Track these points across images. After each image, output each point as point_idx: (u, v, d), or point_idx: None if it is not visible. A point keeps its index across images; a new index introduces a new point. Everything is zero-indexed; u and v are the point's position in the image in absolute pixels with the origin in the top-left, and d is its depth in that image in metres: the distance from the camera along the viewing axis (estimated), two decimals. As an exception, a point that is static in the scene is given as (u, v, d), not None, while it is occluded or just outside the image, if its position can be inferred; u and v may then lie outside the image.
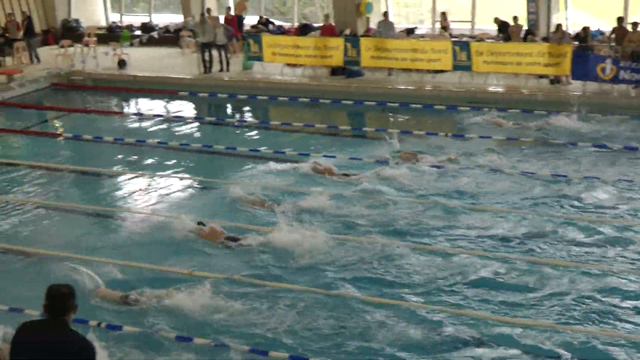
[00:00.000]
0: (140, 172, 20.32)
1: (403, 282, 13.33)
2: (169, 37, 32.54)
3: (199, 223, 15.32)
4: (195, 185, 19.00)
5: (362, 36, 29.00)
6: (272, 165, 19.46)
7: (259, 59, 28.77)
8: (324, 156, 19.69)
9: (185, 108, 26.90)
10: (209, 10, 30.58)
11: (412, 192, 17.32)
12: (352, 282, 13.29)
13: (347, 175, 18.16)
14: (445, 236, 15.05)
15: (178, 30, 32.42)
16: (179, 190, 18.81)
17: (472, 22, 30.99)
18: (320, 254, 14.22)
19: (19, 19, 32.75)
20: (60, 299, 6.87)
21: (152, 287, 12.95)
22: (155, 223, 16.33)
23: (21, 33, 32.14)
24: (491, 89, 25.79)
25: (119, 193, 19.12)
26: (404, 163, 18.87)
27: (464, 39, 28.18)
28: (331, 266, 13.85)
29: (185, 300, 12.46)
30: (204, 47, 28.91)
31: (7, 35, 32.01)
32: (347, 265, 13.85)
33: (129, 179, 19.93)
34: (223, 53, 28.99)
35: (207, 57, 28.84)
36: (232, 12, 32.93)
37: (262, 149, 21.43)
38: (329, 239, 14.58)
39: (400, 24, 31.30)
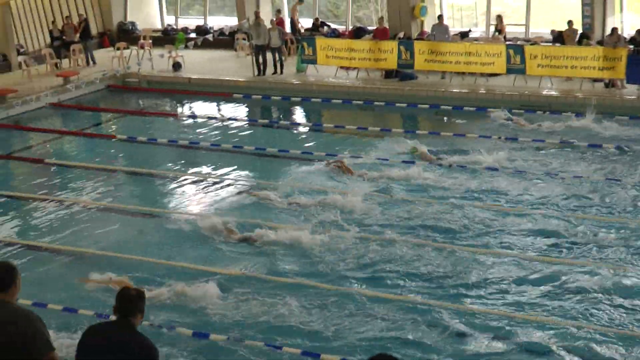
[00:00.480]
0: (192, 173, 20.49)
1: (411, 279, 13.82)
2: (224, 40, 32.73)
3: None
4: (245, 187, 19.07)
5: (416, 39, 28.90)
6: (320, 166, 19.84)
7: (313, 61, 28.82)
8: (352, 156, 20.27)
9: (239, 110, 27.03)
10: (256, 13, 30.73)
11: (427, 191, 17.86)
12: (362, 279, 13.91)
13: (366, 173, 18.82)
14: (454, 235, 15.54)
15: (233, 32, 32.59)
16: (230, 192, 18.95)
17: (527, 25, 30.74)
18: (336, 251, 14.83)
19: (75, 21, 33.15)
20: (129, 301, 7.03)
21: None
22: (194, 223, 16.66)
23: (78, 36, 32.55)
24: (545, 92, 25.55)
25: (170, 194, 19.31)
26: (423, 162, 19.47)
27: (518, 43, 27.96)
28: (346, 264, 14.41)
29: (200, 295, 13.21)
30: (258, 50, 29.04)
31: (64, 38, 32.43)
32: (362, 263, 14.42)
33: (181, 180, 20.11)
34: (277, 56, 29.09)
35: (261, 60, 28.95)
36: (286, 15, 33.04)
37: (314, 151, 21.51)
38: (349, 237, 15.26)
39: (454, 27, 31.14)
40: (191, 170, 20.86)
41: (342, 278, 13.98)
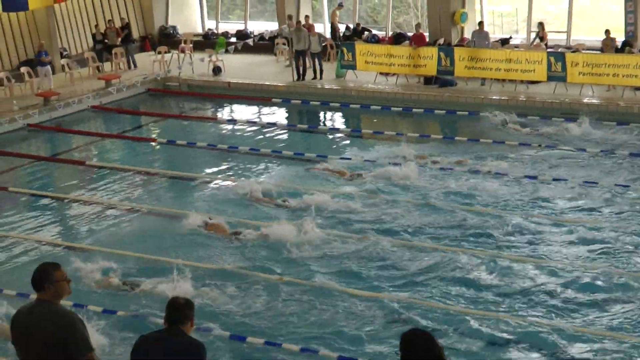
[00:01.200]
0: (231, 177, 20.62)
1: (384, 275, 14.45)
2: (264, 45, 32.85)
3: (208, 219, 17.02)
4: (281, 191, 19.18)
5: (456, 46, 28.84)
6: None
7: (352, 67, 28.86)
8: (341, 158, 21.36)
9: (278, 115, 27.13)
10: (290, 16, 30.87)
11: (413, 191, 18.52)
12: (335, 274, 14.53)
13: (359, 175, 19.64)
14: (428, 233, 16.19)
15: (273, 37, 32.71)
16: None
17: (568, 32, 30.57)
18: (312, 248, 15.52)
19: (118, 25, 33.45)
20: (178, 309, 7.06)
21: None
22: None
23: (120, 39, 32.84)
24: (586, 100, 25.39)
25: (208, 197, 19.43)
26: (415, 164, 19.97)
27: (560, 50, 27.82)
28: (319, 259, 15.15)
29: (171, 288, 13.75)
30: (298, 55, 29.15)
31: (106, 41, 32.75)
32: (333, 259, 15.16)
33: (218, 183, 20.27)
34: (317, 61, 29.18)
35: (301, 65, 29.05)
36: (326, 21, 33.11)
37: (353, 156, 21.57)
38: (322, 234, 15.93)
39: (494, 34, 31.04)
40: (229, 174, 21.00)
41: (310, 271, 14.75)
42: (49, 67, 29.42)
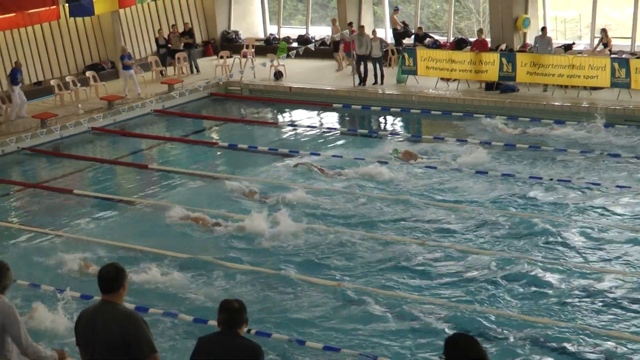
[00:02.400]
0: (290, 181, 20.76)
1: (346, 266, 15.64)
2: (325, 50, 32.95)
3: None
4: (331, 196, 19.37)
5: (519, 51, 28.65)
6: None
7: (413, 72, 28.83)
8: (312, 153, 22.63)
9: (339, 120, 27.18)
10: (350, 23, 30.92)
11: (390, 188, 19.65)
12: (299, 263, 15.78)
13: (340, 174, 20.75)
14: (399, 227, 17.35)
15: (335, 42, 32.78)
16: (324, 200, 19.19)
17: (633, 38, 30.17)
18: (284, 239, 16.73)
19: (181, 30, 33.80)
20: (232, 312, 7.14)
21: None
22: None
23: (183, 44, 33.22)
24: (651, 106, 25.07)
25: (329, 211, 19.49)
26: (402, 162, 21.37)
27: (624, 56, 27.48)
28: (289, 250, 16.37)
29: (146, 276, 15.16)
30: (360, 60, 29.23)
31: (169, 46, 33.14)
32: (302, 250, 16.34)
33: (277, 188, 20.45)
34: (378, 66, 29.21)
35: (362, 70, 29.12)
36: (387, 26, 33.09)
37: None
38: (295, 227, 17.10)
39: (557, 40, 30.76)
40: (289, 178, 21.14)
41: (279, 261, 15.96)
42: (132, 70, 29.73)
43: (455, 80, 28.51)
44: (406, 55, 28.90)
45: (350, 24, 31.91)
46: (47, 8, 29.66)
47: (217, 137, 26.24)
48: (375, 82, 29.19)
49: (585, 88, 26.61)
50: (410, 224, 17.52)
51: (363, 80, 29.18)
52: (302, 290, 14.74)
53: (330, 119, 27.25)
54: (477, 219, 17.54)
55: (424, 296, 14.37)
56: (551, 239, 16.44)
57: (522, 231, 16.86)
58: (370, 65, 29.30)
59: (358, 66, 29.26)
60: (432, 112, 26.56)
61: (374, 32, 29.90)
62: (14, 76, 27.37)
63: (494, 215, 17.68)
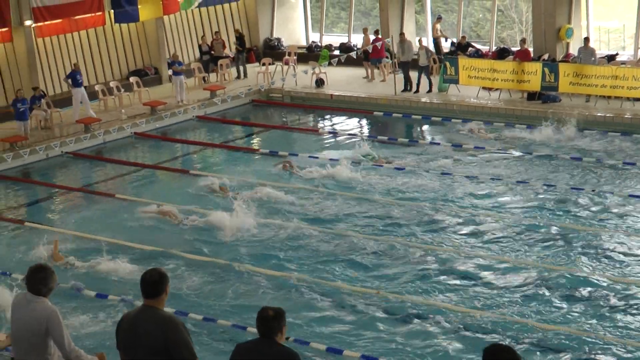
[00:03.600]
0: (331, 189, 20.89)
1: (296, 257, 17.04)
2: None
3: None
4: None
5: (561, 61, 28.51)
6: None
7: (455, 81, 28.79)
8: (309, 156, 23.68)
9: (380, 128, 27.15)
10: (377, 31, 30.99)
11: (355, 188, 20.94)
12: (255, 256, 17.18)
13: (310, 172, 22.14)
14: (352, 223, 18.68)
15: (364, 51, 32.83)
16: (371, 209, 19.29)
17: (679, 48, 29.92)
18: (245, 233, 18.11)
19: (225, 37, 34.06)
20: (268, 320, 7.10)
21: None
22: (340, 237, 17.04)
23: (226, 51, 33.49)
24: (695, 118, 24.85)
25: (307, 209, 19.74)
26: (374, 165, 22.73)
27: (669, 67, 27.25)
28: (247, 243, 17.85)
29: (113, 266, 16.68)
30: (404, 67, 29.36)
31: (212, 52, 33.40)
32: (258, 243, 17.83)
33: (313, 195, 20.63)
34: (423, 74, 29.27)
35: (406, 77, 29.26)
36: (429, 35, 33.08)
37: (452, 172, 21.63)
38: (256, 222, 18.48)
39: (600, 50, 30.57)
40: (332, 186, 21.27)
41: (236, 253, 17.42)
42: (182, 76, 29.96)
43: (497, 89, 28.43)
44: (448, 64, 28.88)
45: (377, 31, 32.17)
46: (93, 14, 30.12)
47: (258, 144, 26.36)
48: (417, 91, 29.21)
49: (628, 99, 26.42)
50: (361, 219, 18.99)
51: (407, 87, 29.29)
52: (259, 280, 15.99)
53: (371, 127, 27.22)
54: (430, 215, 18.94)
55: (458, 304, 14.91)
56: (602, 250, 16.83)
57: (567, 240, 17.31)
58: (414, 74, 29.39)
59: (403, 73, 29.39)
60: (473, 121, 26.47)
61: (419, 40, 29.95)
62: (74, 78, 27.72)
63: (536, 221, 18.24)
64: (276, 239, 18.01)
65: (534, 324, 13.81)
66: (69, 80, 27.91)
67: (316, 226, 18.51)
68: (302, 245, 17.62)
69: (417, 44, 29.87)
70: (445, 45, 32.60)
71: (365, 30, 33.23)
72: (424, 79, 29.40)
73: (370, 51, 31.40)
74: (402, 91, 29.29)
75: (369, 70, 31.90)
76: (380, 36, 32.06)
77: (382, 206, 19.67)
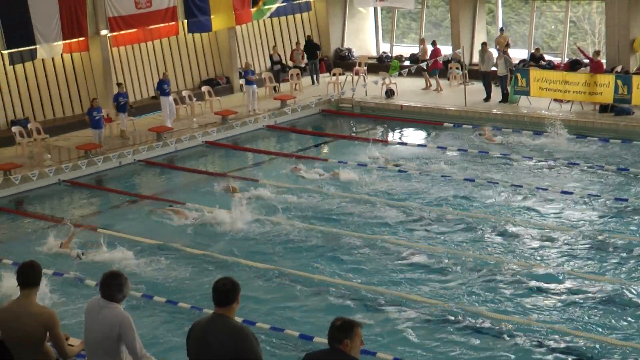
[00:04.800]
0: (399, 200, 20.97)
1: (282, 251, 18.32)
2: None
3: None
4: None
5: (635, 73, 28.13)
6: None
7: (526, 93, 28.59)
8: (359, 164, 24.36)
9: (449, 139, 27.02)
10: (422, 40, 30.93)
11: (354, 190, 22.01)
12: (246, 250, 18.44)
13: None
14: (341, 221, 19.86)
15: (446, 61, 32.79)
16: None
17: None
18: (239, 230, 19.52)
19: (302, 46, 34.34)
20: (336, 330, 7.08)
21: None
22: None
23: (305, 62, 33.90)
24: None
25: (370, 218, 19.84)
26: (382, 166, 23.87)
27: None
28: (239, 238, 19.19)
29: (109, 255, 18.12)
30: (485, 77, 29.40)
31: (291, 62, 33.84)
32: (249, 238, 19.18)
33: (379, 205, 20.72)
34: (502, 84, 29.20)
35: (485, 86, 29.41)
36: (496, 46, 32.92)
37: (524, 183, 21.56)
38: (249, 219, 19.85)
39: (676, 62, 30.12)
40: (396, 195, 21.35)
41: (228, 247, 18.70)
42: (255, 85, 30.24)
43: (568, 101, 28.17)
44: (519, 75, 28.71)
45: (422, 40, 32.27)
46: (167, 24, 30.63)
47: (327, 153, 26.46)
48: (501, 100, 29.18)
49: None
50: (352, 218, 20.10)
51: (488, 97, 29.33)
52: (248, 272, 17.20)
53: (441, 138, 27.14)
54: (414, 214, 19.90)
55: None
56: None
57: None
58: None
59: (484, 82, 29.50)
60: (544, 133, 26.26)
61: (499, 50, 29.84)
62: (161, 87, 28.20)
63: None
64: (263, 233, 19.32)
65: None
66: (157, 90, 28.47)
67: (300, 221, 19.81)
68: (290, 239, 18.83)
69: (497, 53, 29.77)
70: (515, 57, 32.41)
71: (422, 41, 33.36)
72: (497, 89, 29.38)
73: (429, 62, 31.56)
74: (485, 100, 29.40)
75: (429, 81, 31.94)
76: (438, 47, 32.13)
77: (459, 217, 19.82)
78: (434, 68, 31.52)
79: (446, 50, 33.51)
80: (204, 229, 19.95)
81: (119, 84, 28.46)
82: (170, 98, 28.42)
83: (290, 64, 34.74)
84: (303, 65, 33.91)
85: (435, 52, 32.06)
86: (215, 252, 18.50)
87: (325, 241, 18.73)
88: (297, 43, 34.65)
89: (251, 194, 21.66)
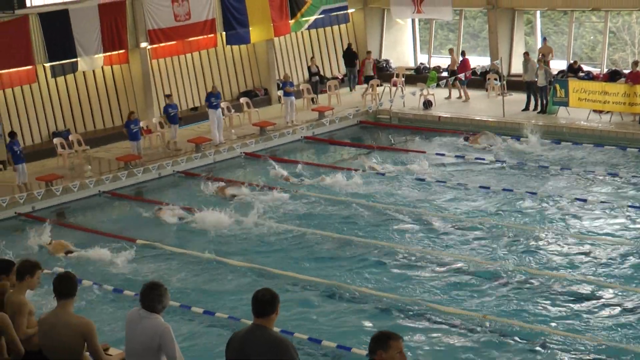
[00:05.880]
0: (434, 210, 20.94)
1: (266, 250, 19.66)
2: (475, 80, 32.86)
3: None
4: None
5: (675, 84, 27.90)
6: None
7: (565, 104, 28.45)
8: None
9: (488, 150, 26.86)
10: (451, 50, 30.84)
11: (338, 193, 23.06)
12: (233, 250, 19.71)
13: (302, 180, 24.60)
14: (333, 224, 20.90)
15: (484, 72, 32.72)
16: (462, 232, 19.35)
17: None
18: (224, 229, 20.81)
19: (334, 58, 34.41)
20: (372, 341, 6.96)
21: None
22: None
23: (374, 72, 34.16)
24: None
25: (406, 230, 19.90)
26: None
27: None
28: (224, 238, 20.49)
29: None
30: (528, 87, 29.50)
31: (372, 73, 34.20)
32: (233, 238, 20.47)
33: (421, 218, 20.68)
34: (541, 95, 29.14)
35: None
36: (537, 57, 32.78)
37: (561, 194, 21.49)
38: (233, 220, 21.15)
39: None
40: (433, 206, 21.35)
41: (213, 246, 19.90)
42: (293, 97, 30.33)
43: (608, 112, 27.99)
44: (558, 86, 28.58)
45: (451, 50, 32.32)
46: (206, 36, 30.84)
47: (363, 165, 26.42)
48: (541, 111, 29.10)
49: None
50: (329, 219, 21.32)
51: (535, 107, 29.30)
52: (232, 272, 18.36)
53: (479, 149, 27.05)
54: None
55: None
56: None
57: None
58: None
59: (527, 92, 29.59)
60: (584, 144, 26.14)
61: (539, 61, 29.72)
62: (209, 100, 28.40)
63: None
64: (247, 233, 20.58)
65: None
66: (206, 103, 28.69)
67: (278, 223, 21.17)
68: (269, 240, 20.20)
69: (538, 64, 29.66)
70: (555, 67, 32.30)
71: (451, 51, 33.35)
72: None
73: (457, 72, 31.58)
74: (535, 112, 29.45)
75: (461, 91, 31.93)
76: (467, 57, 32.16)
77: (491, 228, 20.11)
78: (465, 78, 31.42)
79: (483, 61, 33.46)
80: (242, 238, 20.42)
81: (168, 96, 28.76)
82: (219, 111, 28.47)
83: (328, 75, 34.90)
84: (373, 75, 33.80)
85: (464, 63, 32.06)
86: (261, 264, 18.79)
87: (364, 251, 19.03)
88: (369, 52, 34.51)
89: (284, 203, 22.35)
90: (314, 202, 22.49)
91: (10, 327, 8.48)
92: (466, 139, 27.53)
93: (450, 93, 32.21)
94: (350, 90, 34.12)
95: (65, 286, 8.31)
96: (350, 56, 34.84)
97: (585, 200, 21.19)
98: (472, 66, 31.99)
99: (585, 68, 31.60)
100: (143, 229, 21.71)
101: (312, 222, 21.14)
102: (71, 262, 19.35)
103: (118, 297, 17.41)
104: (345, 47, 35.89)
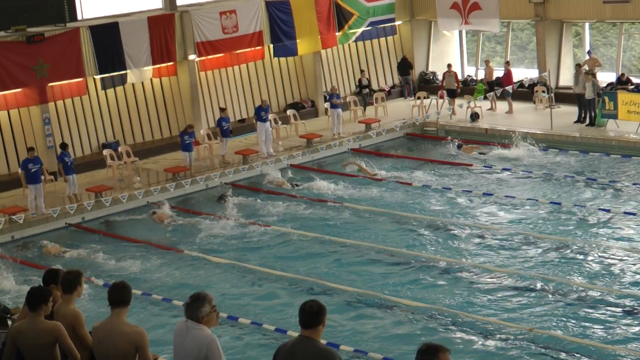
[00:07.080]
0: (469, 222, 20.93)
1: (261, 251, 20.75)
2: (523, 92, 32.72)
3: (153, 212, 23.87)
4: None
5: None
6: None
7: (613, 116, 28.21)
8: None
9: (534, 163, 26.73)
10: (487, 61, 30.66)
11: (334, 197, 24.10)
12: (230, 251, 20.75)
13: (297, 185, 25.76)
14: (326, 227, 21.88)
15: (532, 85, 32.56)
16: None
17: None
18: (224, 233, 21.95)
19: (380, 70, 34.40)
20: (418, 353, 6.78)
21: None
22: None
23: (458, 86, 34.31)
24: None
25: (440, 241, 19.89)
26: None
27: None
28: (226, 241, 21.56)
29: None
30: (579, 99, 29.39)
31: (456, 88, 34.38)
32: (234, 241, 21.51)
33: (452, 227, 20.68)
34: (590, 108, 28.97)
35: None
36: (585, 67, 32.58)
37: (611, 207, 21.32)
38: (235, 224, 22.43)
39: None
40: (476, 219, 21.32)
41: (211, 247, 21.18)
42: (340, 109, 30.38)
43: (658, 125, 27.72)
44: (606, 98, 28.36)
45: (487, 61, 32.43)
46: (253, 48, 31.07)
47: (410, 178, 26.38)
48: (589, 124, 28.92)
49: None
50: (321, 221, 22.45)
51: (582, 119, 29.29)
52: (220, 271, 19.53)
53: (526, 161, 26.89)
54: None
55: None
56: None
57: None
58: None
59: (578, 104, 29.61)
60: (633, 157, 25.91)
61: (587, 73, 29.52)
62: (258, 113, 28.56)
63: None
64: (240, 236, 21.77)
65: None
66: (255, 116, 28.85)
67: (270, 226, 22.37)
68: (267, 244, 21.25)
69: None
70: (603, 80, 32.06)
71: (487, 62, 33.19)
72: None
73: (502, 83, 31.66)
74: (575, 122, 29.40)
75: (495, 103, 31.93)
76: (511, 68, 32.04)
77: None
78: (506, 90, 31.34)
79: (531, 73, 33.29)
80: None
81: (222, 109, 28.90)
82: (267, 124, 28.55)
83: (375, 86, 35.00)
84: (456, 88, 33.60)
85: (508, 74, 31.96)
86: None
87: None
88: (449, 65, 34.34)
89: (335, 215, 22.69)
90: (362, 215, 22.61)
91: (66, 336, 8.61)
92: (459, 147, 28.04)
93: (493, 105, 32.05)
94: (405, 97, 34.68)
95: (119, 294, 8.42)
96: (405, 67, 35.11)
97: (634, 214, 21.04)
98: (519, 78, 31.85)
99: (635, 80, 31.30)
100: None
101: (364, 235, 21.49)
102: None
103: (165, 305, 17.61)
104: (398, 59, 36.04)
